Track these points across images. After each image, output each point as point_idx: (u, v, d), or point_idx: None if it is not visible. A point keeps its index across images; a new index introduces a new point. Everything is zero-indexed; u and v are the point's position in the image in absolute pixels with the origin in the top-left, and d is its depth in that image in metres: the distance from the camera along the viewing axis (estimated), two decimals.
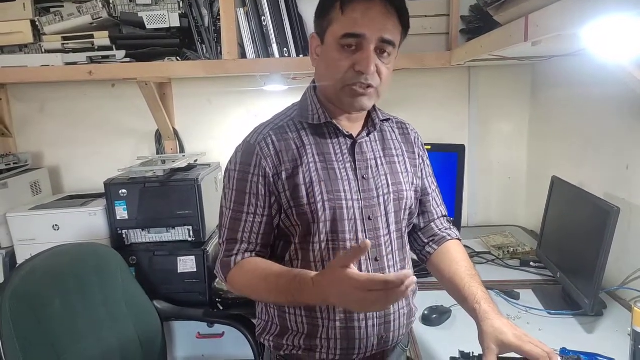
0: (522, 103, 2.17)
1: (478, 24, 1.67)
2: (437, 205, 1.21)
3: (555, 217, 1.58)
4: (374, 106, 1.10)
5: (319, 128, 1.06)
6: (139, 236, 1.81)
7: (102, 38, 1.85)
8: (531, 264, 1.69)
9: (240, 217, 1.03)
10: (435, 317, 1.32)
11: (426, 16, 1.79)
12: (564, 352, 1.10)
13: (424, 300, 1.40)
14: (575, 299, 1.32)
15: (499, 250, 1.79)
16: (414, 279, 0.80)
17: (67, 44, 1.86)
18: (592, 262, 1.23)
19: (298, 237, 1.03)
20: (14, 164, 2.05)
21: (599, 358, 1.11)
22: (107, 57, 1.87)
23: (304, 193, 1.00)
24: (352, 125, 1.08)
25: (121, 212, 1.78)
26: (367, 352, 1.04)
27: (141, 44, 1.86)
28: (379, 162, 1.08)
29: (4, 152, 2.13)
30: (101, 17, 1.82)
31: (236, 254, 1.03)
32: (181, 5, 1.83)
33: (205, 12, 1.86)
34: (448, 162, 1.80)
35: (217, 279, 1.75)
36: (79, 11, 1.83)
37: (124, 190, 1.77)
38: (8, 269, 1.79)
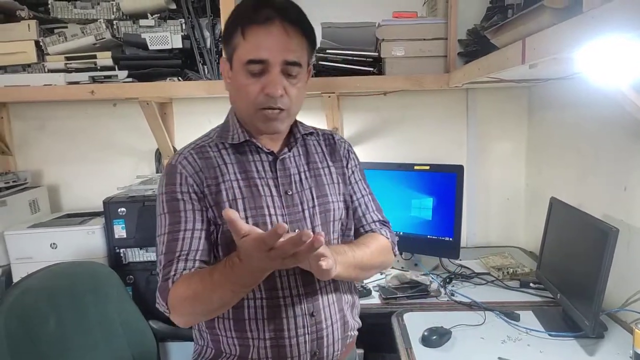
0: (520, 125, 2.19)
1: (475, 47, 1.70)
2: (368, 211, 1.18)
3: (554, 238, 1.58)
4: (295, 121, 1.11)
5: (240, 147, 1.06)
6: (136, 255, 1.80)
7: (104, 58, 1.88)
8: (531, 285, 1.68)
9: (177, 236, 0.99)
10: (435, 338, 1.30)
11: (424, 39, 1.82)
12: None
13: (424, 321, 1.39)
14: (575, 321, 1.31)
15: (498, 272, 1.78)
16: (309, 234, 0.74)
17: (70, 63, 1.88)
18: (592, 283, 1.23)
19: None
20: (13, 182, 2.05)
21: None
22: (109, 77, 1.89)
23: None
24: (273, 142, 1.09)
25: (119, 231, 1.77)
26: None
27: (143, 64, 1.88)
28: (303, 177, 1.09)
29: (3, 170, 2.13)
30: (104, 38, 1.84)
31: (174, 275, 0.97)
32: (184, 27, 1.86)
33: (207, 34, 1.88)
34: (447, 183, 1.81)
35: None
36: (83, 32, 1.85)
37: (122, 209, 1.77)
38: (3, 288, 1.78)
